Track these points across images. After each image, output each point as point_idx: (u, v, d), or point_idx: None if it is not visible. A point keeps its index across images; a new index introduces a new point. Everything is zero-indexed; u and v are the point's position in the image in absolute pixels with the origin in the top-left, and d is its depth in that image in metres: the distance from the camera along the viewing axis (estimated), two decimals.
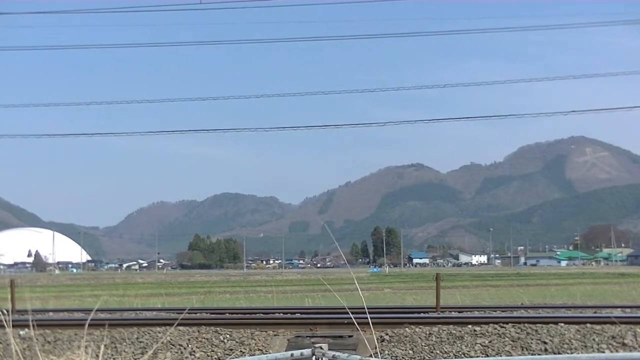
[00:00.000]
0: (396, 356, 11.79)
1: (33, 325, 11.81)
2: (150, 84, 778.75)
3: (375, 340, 11.85)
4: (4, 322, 7.86)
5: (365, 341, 11.45)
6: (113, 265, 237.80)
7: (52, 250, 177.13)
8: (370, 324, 7.87)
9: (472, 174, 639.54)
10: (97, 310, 18.36)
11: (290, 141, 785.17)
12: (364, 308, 7.74)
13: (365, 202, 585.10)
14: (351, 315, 8.32)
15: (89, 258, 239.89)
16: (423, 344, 12.03)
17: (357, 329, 12.67)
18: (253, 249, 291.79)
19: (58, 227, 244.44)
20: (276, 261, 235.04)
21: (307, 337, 12.41)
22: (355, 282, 7.74)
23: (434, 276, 17.91)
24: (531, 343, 11.72)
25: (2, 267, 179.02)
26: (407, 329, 12.63)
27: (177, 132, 44.25)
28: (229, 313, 17.03)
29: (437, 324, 12.86)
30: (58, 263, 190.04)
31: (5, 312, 8.55)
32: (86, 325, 10.17)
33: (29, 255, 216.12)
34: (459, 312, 15.84)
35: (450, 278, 50.21)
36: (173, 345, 12.61)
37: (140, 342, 12.84)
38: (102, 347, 12.00)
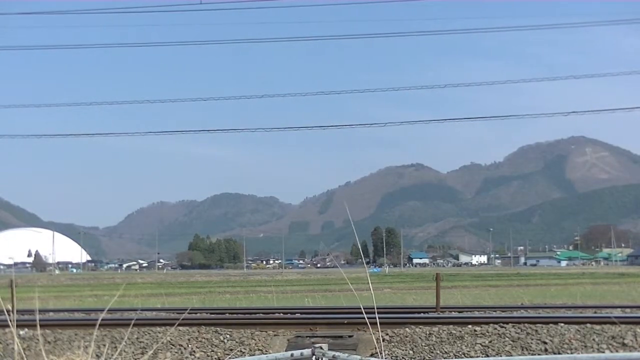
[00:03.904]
0: (396, 356, 11.79)
1: (39, 325, 11.83)
2: (151, 84, 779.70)
3: (381, 339, 11.85)
4: (9, 322, 7.88)
5: (365, 341, 11.46)
6: (113, 265, 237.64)
7: (52, 250, 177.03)
8: (377, 323, 7.82)
9: (472, 174, 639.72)
10: (97, 311, 18.40)
11: (290, 141, 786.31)
12: (371, 308, 7.70)
13: (365, 202, 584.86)
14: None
15: (89, 258, 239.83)
16: (423, 344, 12.03)
17: (357, 328, 12.71)
18: (253, 249, 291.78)
19: (58, 227, 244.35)
20: (276, 261, 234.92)
21: (307, 337, 12.41)
22: (369, 281, 7.70)
23: (433, 276, 17.87)
24: (531, 343, 11.72)
25: (2, 267, 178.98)
26: (407, 329, 12.63)
27: (177, 132, 44.37)
28: (229, 313, 17.03)
29: (437, 324, 12.87)
30: (58, 263, 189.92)
31: (9, 311, 8.55)
32: (97, 325, 10.15)
33: (29, 255, 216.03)
34: (459, 312, 15.83)
35: (450, 278, 50.25)
36: (173, 345, 12.61)
37: (140, 342, 12.84)
38: (104, 347, 12.01)
